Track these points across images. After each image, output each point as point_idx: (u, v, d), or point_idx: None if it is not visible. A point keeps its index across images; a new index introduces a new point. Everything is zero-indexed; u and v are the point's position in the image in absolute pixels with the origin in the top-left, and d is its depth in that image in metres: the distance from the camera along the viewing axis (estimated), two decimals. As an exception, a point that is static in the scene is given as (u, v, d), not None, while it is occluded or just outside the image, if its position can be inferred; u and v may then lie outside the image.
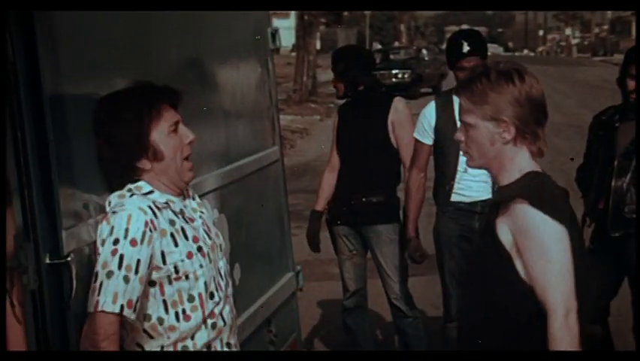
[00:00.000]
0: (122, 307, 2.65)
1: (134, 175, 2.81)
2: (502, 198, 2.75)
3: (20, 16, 2.55)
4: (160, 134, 2.80)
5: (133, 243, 2.69)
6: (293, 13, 39.33)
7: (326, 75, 32.13)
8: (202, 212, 3.00)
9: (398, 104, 5.39)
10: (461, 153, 2.87)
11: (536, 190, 2.75)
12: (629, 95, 4.87)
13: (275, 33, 4.51)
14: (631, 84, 4.85)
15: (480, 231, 2.84)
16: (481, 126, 2.75)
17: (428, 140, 5.09)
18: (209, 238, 2.95)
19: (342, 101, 5.70)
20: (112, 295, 2.64)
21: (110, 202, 2.80)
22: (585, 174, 5.17)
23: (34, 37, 2.57)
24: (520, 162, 2.78)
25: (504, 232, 2.71)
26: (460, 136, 2.82)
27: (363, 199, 5.35)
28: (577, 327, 2.64)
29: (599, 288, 5.07)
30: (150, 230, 2.72)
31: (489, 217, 2.80)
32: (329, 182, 5.52)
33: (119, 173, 2.81)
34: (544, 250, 2.66)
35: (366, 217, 5.36)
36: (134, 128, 2.76)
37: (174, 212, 2.85)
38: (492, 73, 2.75)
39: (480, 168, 2.87)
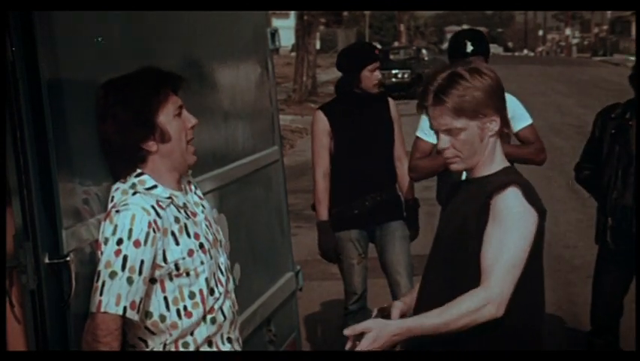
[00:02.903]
0: (125, 308, 2.66)
1: (139, 158, 2.82)
2: (497, 184, 2.78)
3: (20, 16, 2.55)
4: (166, 117, 2.82)
5: (136, 244, 2.69)
6: (293, 13, 39.33)
7: (326, 75, 32.16)
8: (203, 206, 3.01)
9: (392, 101, 5.55)
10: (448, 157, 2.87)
11: (525, 182, 2.82)
12: None
13: (274, 33, 4.50)
14: None
15: (461, 212, 2.86)
16: (471, 126, 2.79)
17: (432, 138, 5.08)
18: (211, 233, 2.96)
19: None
20: (115, 297, 2.65)
21: (112, 197, 2.81)
22: (593, 173, 5.13)
23: (34, 37, 2.57)
24: (498, 153, 2.87)
25: (485, 215, 2.77)
26: (445, 145, 2.82)
27: (378, 198, 5.34)
28: (485, 318, 2.69)
29: (612, 286, 5.11)
30: (154, 230, 2.73)
31: (469, 202, 2.83)
32: (326, 188, 5.35)
33: (125, 156, 2.81)
34: (508, 234, 2.71)
35: (382, 216, 5.35)
36: (143, 109, 2.77)
37: (177, 207, 2.85)
38: (465, 73, 2.77)
39: (466, 169, 2.88)
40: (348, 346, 2.74)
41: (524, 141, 5.11)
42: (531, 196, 2.78)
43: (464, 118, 2.77)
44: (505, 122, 2.84)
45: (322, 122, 5.37)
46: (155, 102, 2.80)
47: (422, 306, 2.89)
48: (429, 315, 2.73)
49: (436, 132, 2.85)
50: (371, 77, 5.30)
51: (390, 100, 5.56)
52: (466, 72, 2.77)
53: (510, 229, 2.72)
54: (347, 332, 2.72)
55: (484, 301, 2.67)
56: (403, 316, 2.99)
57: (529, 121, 5.11)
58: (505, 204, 2.74)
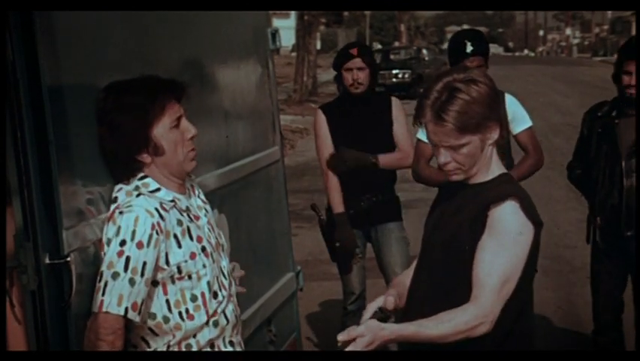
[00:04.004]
0: (126, 309, 2.66)
1: (134, 167, 2.82)
2: (495, 195, 2.75)
3: (20, 16, 2.55)
4: (162, 129, 2.80)
5: (139, 245, 2.69)
6: (293, 13, 39.34)
7: (326, 75, 32.18)
8: (206, 210, 3.01)
9: (396, 101, 5.49)
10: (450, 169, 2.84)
11: (524, 193, 2.79)
12: (625, 91, 4.90)
13: (275, 33, 4.50)
14: (626, 79, 4.88)
15: (457, 223, 2.83)
16: (474, 140, 2.75)
17: None
18: (213, 236, 2.96)
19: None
20: (117, 297, 2.65)
21: (116, 198, 2.81)
22: (584, 172, 5.18)
23: (34, 37, 2.57)
24: (494, 159, 2.84)
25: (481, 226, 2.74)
26: (446, 159, 2.78)
27: (374, 199, 5.33)
28: (478, 334, 2.68)
29: (608, 284, 5.14)
30: (157, 233, 2.73)
31: (466, 213, 2.80)
32: (337, 182, 5.32)
33: (120, 164, 2.81)
34: (504, 248, 2.69)
35: (378, 217, 5.33)
36: (137, 121, 2.76)
37: (180, 210, 2.86)
38: (460, 86, 2.71)
39: (466, 179, 2.85)
40: (339, 344, 2.73)
41: (522, 144, 5.12)
42: (528, 209, 2.74)
43: (468, 135, 2.72)
44: (503, 127, 2.81)
45: (322, 120, 5.41)
46: (150, 115, 2.78)
47: (414, 308, 2.88)
48: (425, 325, 2.69)
49: (435, 146, 2.80)
50: (346, 76, 5.31)
51: (394, 100, 5.49)
52: (462, 84, 2.71)
53: (506, 245, 2.69)
54: (341, 337, 2.71)
55: (478, 319, 2.66)
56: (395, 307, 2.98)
57: (529, 124, 5.12)
58: (502, 218, 2.71)
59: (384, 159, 5.28)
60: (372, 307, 2.92)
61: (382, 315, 2.89)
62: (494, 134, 2.77)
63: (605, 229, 5.02)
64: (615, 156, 4.91)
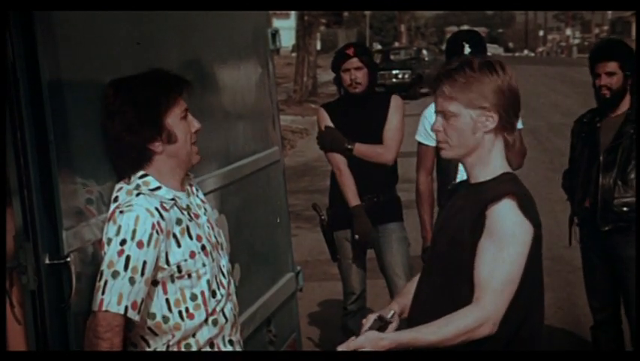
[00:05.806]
0: (126, 308, 2.67)
1: (144, 157, 2.82)
2: (493, 194, 2.74)
3: (20, 16, 2.55)
4: (174, 119, 2.85)
5: (140, 245, 2.70)
6: (293, 13, 39.35)
7: (327, 75, 32.22)
8: (205, 209, 3.02)
9: (396, 99, 5.47)
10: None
11: (523, 192, 2.77)
12: (600, 93, 5.05)
13: (275, 33, 4.50)
14: (597, 82, 5.06)
15: (456, 222, 2.82)
16: (464, 114, 2.75)
17: (431, 141, 5.04)
18: (213, 235, 2.97)
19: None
20: (117, 296, 2.66)
21: (117, 197, 2.81)
22: (572, 178, 5.29)
23: (34, 37, 2.57)
24: (497, 156, 2.81)
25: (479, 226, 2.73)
26: (438, 126, 2.81)
27: (375, 199, 5.32)
28: (481, 336, 2.67)
29: (595, 285, 5.18)
30: (157, 232, 2.74)
31: (465, 212, 2.79)
32: (350, 174, 5.30)
33: (131, 155, 2.82)
34: (502, 249, 2.67)
35: (379, 217, 5.32)
36: (152, 110, 2.80)
37: (181, 208, 2.86)
38: (475, 63, 2.76)
39: (455, 158, 2.85)
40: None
41: None
42: (527, 208, 2.71)
43: (457, 103, 2.74)
44: (508, 125, 2.79)
45: (325, 116, 5.42)
46: (164, 104, 2.82)
47: (416, 313, 2.87)
48: (424, 331, 2.68)
49: (436, 113, 2.83)
50: (344, 77, 5.33)
51: (394, 97, 5.46)
52: (477, 63, 2.76)
53: (504, 245, 2.67)
54: (341, 349, 2.71)
55: (480, 321, 2.65)
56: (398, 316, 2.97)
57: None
58: (499, 217, 2.69)
59: (361, 149, 5.28)
60: (371, 318, 2.91)
61: (381, 324, 2.88)
62: (490, 123, 2.76)
63: (584, 227, 5.12)
64: (595, 156, 5.00)
